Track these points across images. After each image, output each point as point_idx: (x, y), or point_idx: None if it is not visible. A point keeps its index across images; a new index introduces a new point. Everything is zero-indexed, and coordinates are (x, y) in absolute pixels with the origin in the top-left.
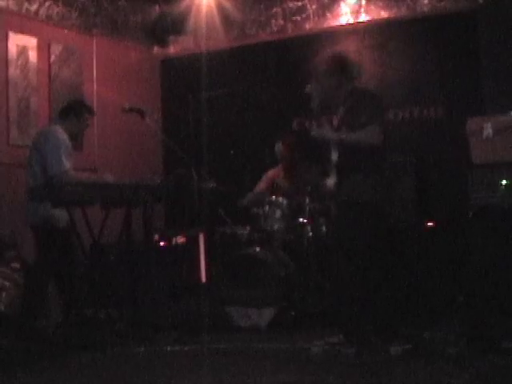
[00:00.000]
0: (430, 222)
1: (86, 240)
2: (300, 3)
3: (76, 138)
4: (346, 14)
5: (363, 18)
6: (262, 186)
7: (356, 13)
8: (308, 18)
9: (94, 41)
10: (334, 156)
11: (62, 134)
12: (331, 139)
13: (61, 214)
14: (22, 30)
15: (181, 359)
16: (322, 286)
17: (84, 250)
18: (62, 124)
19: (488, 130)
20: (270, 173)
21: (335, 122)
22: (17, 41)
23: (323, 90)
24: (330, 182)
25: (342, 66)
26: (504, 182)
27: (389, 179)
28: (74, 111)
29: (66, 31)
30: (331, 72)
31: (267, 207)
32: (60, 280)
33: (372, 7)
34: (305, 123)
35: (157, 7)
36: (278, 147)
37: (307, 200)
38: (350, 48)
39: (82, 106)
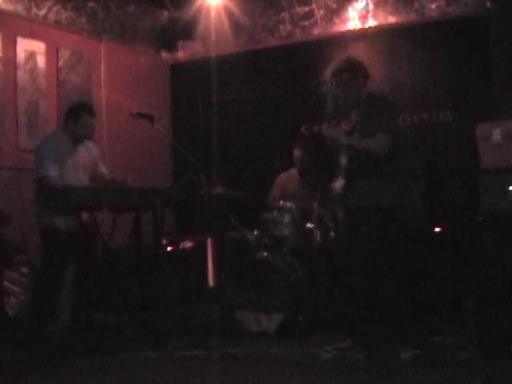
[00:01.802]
0: (439, 226)
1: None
2: (308, 8)
3: (80, 141)
4: (353, 19)
5: (371, 23)
6: (277, 192)
7: (364, 18)
8: (316, 23)
9: (103, 46)
10: (344, 160)
11: (56, 139)
12: (340, 142)
13: (63, 219)
14: (30, 35)
15: (190, 364)
16: (332, 291)
17: (95, 254)
18: (64, 128)
19: (497, 134)
20: (282, 177)
21: (346, 127)
22: (25, 45)
23: (344, 93)
24: (338, 185)
25: (363, 71)
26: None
27: (399, 184)
28: (72, 114)
29: (74, 36)
30: (355, 76)
31: (276, 212)
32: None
33: (380, 12)
34: (313, 128)
35: (166, 12)
36: (297, 152)
37: (316, 205)
38: (358, 53)
39: (80, 107)
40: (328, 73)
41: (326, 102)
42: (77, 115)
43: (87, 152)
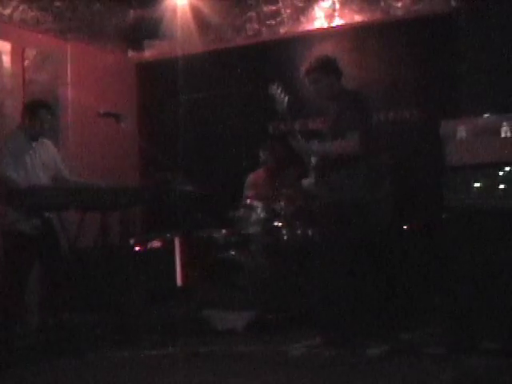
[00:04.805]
0: (408, 223)
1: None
2: (274, 7)
3: (37, 138)
4: (320, 18)
5: (337, 21)
6: (247, 191)
7: (330, 17)
8: (282, 22)
9: (69, 45)
10: (314, 158)
11: (15, 139)
12: (307, 153)
13: (27, 220)
14: None
15: (159, 363)
16: (300, 288)
17: (62, 255)
18: (21, 127)
19: (462, 132)
20: (252, 177)
21: (321, 125)
22: None
23: (315, 90)
24: (308, 182)
25: (334, 68)
26: (477, 184)
27: (370, 180)
28: (28, 111)
29: (40, 36)
30: (326, 73)
31: (243, 210)
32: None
33: (346, 11)
34: (280, 127)
35: (132, 11)
36: (263, 151)
37: (283, 203)
38: (324, 52)
39: (37, 103)
40: (301, 71)
41: (275, 101)
42: (33, 111)
43: (46, 151)
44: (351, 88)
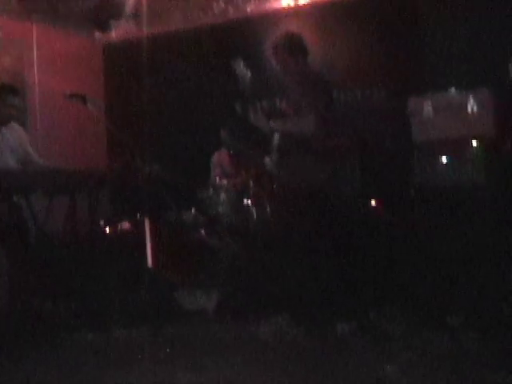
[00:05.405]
0: (374, 202)
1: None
2: None
3: (5, 123)
4: None
5: (304, 0)
6: (214, 171)
7: None
8: (249, 0)
9: (34, 27)
10: (276, 139)
11: None
12: (264, 130)
13: None
14: None
15: (128, 345)
16: (269, 267)
17: (29, 239)
18: None
19: (428, 108)
20: (217, 155)
21: (281, 106)
22: None
23: (280, 68)
24: (271, 163)
25: (298, 44)
26: (444, 159)
27: (334, 161)
28: None
29: (5, 18)
30: (292, 51)
31: (212, 191)
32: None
33: None
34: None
35: None
36: (222, 132)
37: (251, 182)
38: (291, 30)
39: (3, 89)
40: (267, 48)
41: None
42: (0, 97)
43: (14, 135)
44: (315, 68)
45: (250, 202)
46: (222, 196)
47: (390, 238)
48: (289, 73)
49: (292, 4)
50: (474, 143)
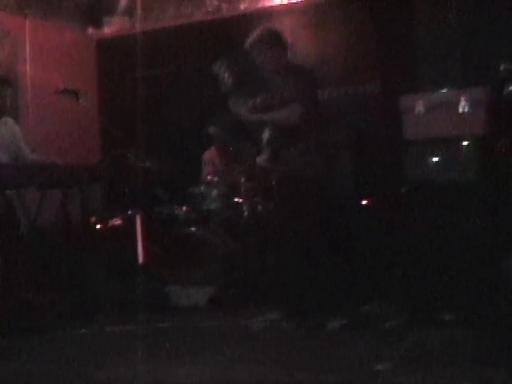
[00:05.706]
0: (367, 197)
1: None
2: None
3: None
4: None
5: None
6: (206, 168)
7: None
8: None
9: (28, 22)
10: (266, 134)
11: None
12: (247, 120)
13: None
14: None
15: (120, 339)
16: (261, 263)
17: (21, 234)
18: None
19: (420, 106)
20: (207, 154)
21: (260, 99)
22: None
23: (260, 62)
24: (263, 158)
25: (277, 38)
26: (435, 158)
27: (327, 155)
28: None
29: None
30: (271, 45)
31: (203, 187)
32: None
33: None
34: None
35: None
36: (212, 129)
37: (242, 179)
38: (284, 27)
39: None
40: (246, 43)
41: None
42: None
43: (7, 130)
44: (296, 61)
45: (241, 198)
46: (214, 193)
47: (381, 234)
48: (270, 66)
49: (285, 2)
50: (465, 142)
